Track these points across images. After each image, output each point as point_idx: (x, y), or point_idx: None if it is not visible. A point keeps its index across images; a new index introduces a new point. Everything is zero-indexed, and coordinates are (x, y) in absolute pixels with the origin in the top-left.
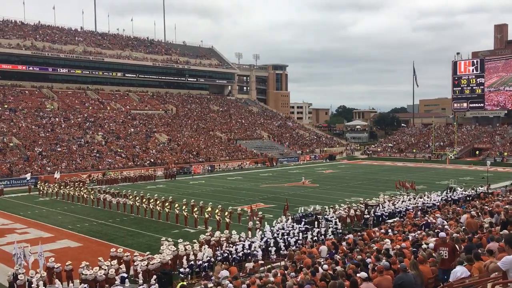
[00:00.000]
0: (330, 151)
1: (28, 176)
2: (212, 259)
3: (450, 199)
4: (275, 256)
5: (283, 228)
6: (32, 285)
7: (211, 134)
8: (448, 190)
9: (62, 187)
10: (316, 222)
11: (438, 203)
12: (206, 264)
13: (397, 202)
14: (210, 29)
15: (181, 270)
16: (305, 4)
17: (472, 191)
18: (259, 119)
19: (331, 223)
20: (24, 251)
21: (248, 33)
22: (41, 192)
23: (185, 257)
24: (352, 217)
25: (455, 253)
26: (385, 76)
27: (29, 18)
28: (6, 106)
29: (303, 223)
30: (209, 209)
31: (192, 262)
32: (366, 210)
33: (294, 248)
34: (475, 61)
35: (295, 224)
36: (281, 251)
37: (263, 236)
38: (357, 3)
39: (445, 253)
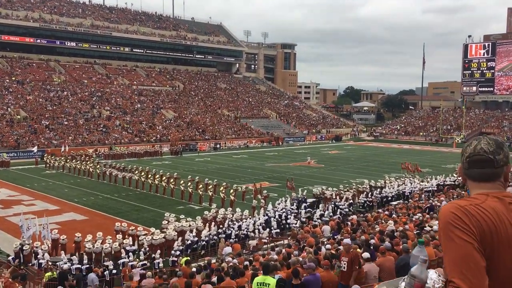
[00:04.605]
0: (336, 132)
1: (35, 149)
2: (215, 237)
3: (443, 184)
4: (276, 235)
5: (283, 209)
6: (38, 256)
7: (218, 112)
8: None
9: (68, 160)
10: (318, 204)
11: (435, 188)
12: (211, 241)
13: (396, 185)
14: (220, 7)
15: (172, 252)
16: None
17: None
18: (266, 98)
19: (334, 203)
20: (30, 222)
21: (258, 11)
22: (47, 165)
23: (181, 236)
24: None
25: (353, 265)
26: (394, 58)
27: None
28: (13, 78)
29: (303, 206)
30: (210, 186)
31: (190, 241)
32: (370, 192)
33: (294, 226)
34: (486, 44)
35: (294, 205)
36: (273, 229)
37: (265, 214)
38: None
39: (345, 264)
